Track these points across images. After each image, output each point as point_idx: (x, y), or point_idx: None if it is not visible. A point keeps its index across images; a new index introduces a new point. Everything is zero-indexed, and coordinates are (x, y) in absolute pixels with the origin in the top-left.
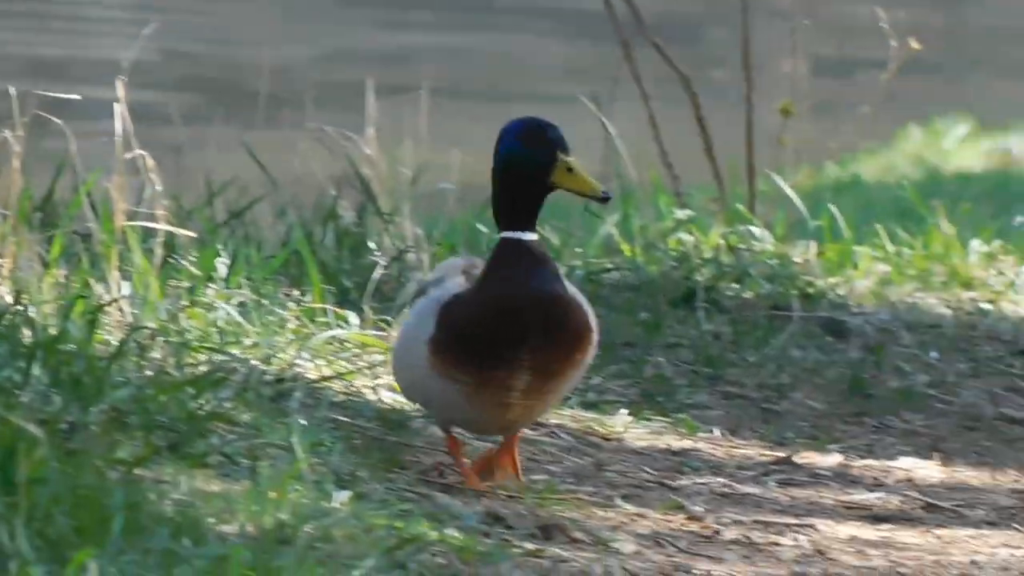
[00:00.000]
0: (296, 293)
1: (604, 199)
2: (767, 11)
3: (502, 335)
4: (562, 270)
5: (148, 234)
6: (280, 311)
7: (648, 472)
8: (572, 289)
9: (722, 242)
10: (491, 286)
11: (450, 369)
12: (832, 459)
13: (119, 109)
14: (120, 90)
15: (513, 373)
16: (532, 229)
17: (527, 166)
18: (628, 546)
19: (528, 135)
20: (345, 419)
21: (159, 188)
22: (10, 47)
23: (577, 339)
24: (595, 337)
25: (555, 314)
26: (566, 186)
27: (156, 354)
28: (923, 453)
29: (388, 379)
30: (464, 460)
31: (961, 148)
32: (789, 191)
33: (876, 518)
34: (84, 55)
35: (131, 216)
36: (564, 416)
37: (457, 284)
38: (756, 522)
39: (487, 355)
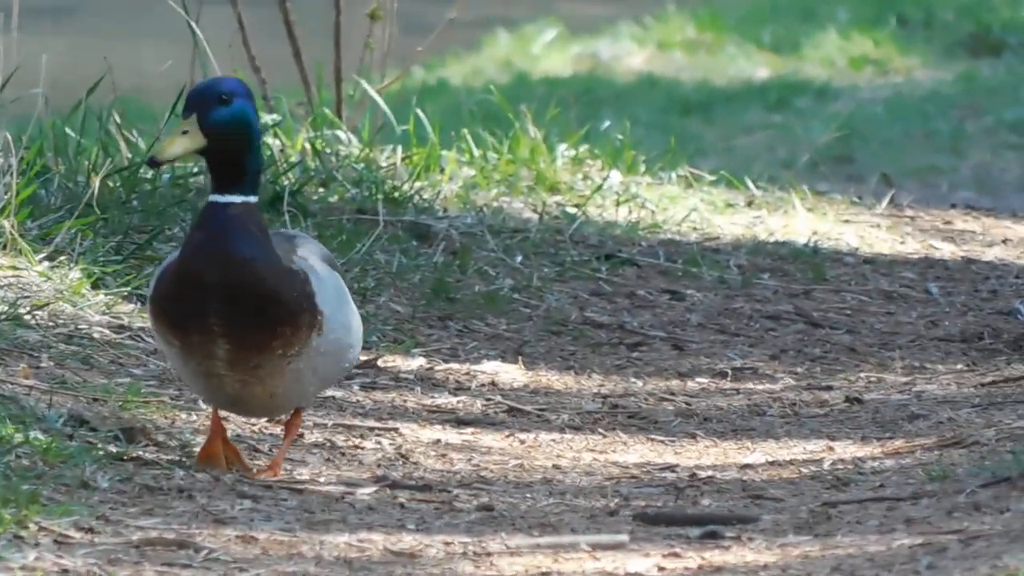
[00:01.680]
0: None
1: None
2: None
3: (184, 297)
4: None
5: None
6: None
7: None
8: (304, 263)
9: (308, 146)
10: (184, 249)
11: (162, 330)
12: (416, 363)
13: None
14: None
15: (206, 338)
16: (235, 192)
17: None
18: None
19: None
20: None
21: None
22: None
23: (267, 310)
24: (308, 319)
25: (236, 280)
26: None
27: None
28: (507, 357)
29: None
30: (216, 440)
31: (549, 53)
32: (376, 95)
33: (460, 422)
34: None
35: None
36: (147, 319)
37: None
38: (339, 425)
39: (176, 317)
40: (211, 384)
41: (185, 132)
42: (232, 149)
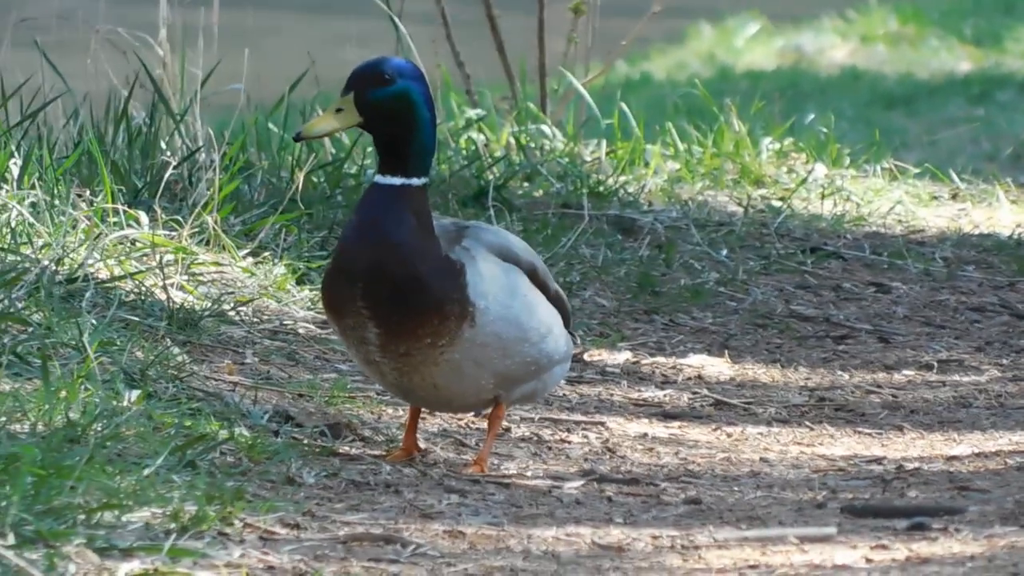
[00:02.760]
0: (88, 194)
1: (295, 138)
2: None
3: (339, 279)
4: (352, 169)
5: None
6: (72, 212)
7: None
8: (466, 253)
9: (513, 141)
10: (343, 230)
11: (325, 311)
12: (622, 356)
13: None
14: None
15: (358, 321)
16: (397, 174)
17: None
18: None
19: None
20: (136, 319)
21: None
22: None
23: (410, 296)
24: (457, 309)
25: (382, 263)
26: None
27: None
28: (713, 350)
29: (179, 278)
30: (412, 436)
31: (752, 46)
32: (581, 89)
33: (666, 415)
34: None
35: None
36: None
37: None
38: (546, 420)
39: (332, 298)
40: (373, 371)
41: (339, 110)
42: (394, 130)
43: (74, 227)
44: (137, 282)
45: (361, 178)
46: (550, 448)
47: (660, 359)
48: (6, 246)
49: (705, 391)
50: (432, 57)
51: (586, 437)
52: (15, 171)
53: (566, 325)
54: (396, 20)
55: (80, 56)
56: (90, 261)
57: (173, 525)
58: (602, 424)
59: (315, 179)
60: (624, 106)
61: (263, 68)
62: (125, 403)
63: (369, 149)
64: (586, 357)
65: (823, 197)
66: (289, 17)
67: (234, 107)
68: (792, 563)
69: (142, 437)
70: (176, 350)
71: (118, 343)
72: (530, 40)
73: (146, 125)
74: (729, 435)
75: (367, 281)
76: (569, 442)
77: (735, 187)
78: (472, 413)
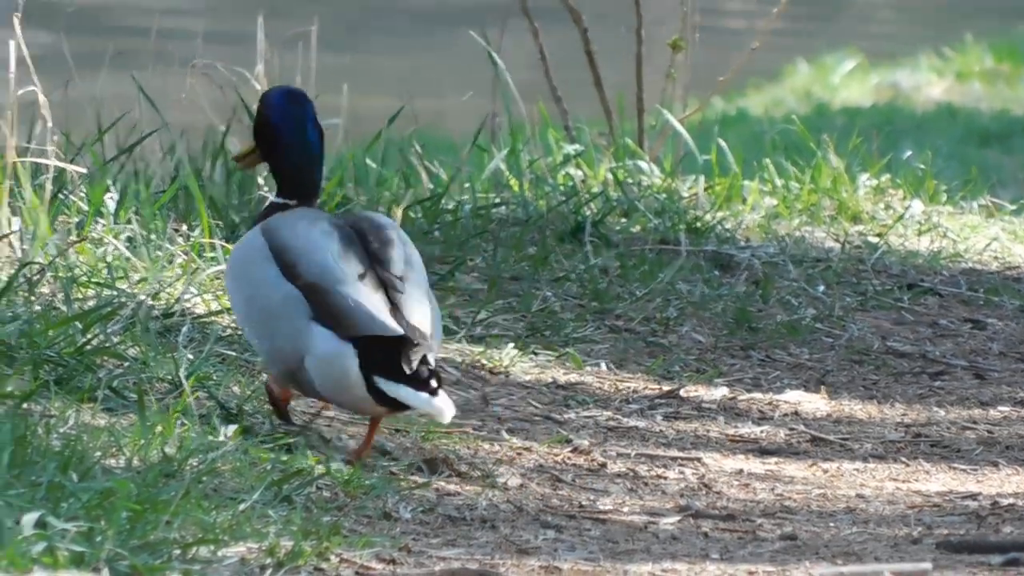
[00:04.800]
0: (185, 228)
1: None
2: None
3: None
4: (450, 204)
5: (39, 170)
6: (169, 246)
7: (534, 406)
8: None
9: (610, 176)
10: None
11: None
12: (718, 392)
13: (12, 46)
14: (16, 27)
15: None
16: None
17: None
18: (514, 479)
19: None
20: (232, 353)
21: (50, 125)
22: None
23: None
24: None
25: None
26: None
27: (45, 289)
28: (810, 387)
29: None
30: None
31: (848, 83)
32: (678, 125)
33: (762, 451)
34: None
35: (22, 152)
36: (451, 350)
37: None
38: (642, 455)
39: None
40: None
41: None
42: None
43: (171, 262)
44: (234, 317)
45: (459, 213)
46: (646, 484)
47: (757, 395)
48: (103, 281)
49: (801, 427)
50: (530, 93)
51: (682, 473)
52: (111, 205)
53: (323, 320)
54: (495, 56)
55: (177, 91)
56: (187, 296)
57: (269, 560)
58: (698, 460)
59: (412, 214)
60: (722, 142)
61: (360, 104)
62: (221, 438)
63: (467, 184)
64: (683, 393)
65: (920, 233)
66: (387, 53)
67: (331, 142)
68: None
69: (238, 472)
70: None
71: (214, 378)
72: (628, 76)
73: None
74: (825, 471)
75: None
76: (665, 478)
77: (832, 223)
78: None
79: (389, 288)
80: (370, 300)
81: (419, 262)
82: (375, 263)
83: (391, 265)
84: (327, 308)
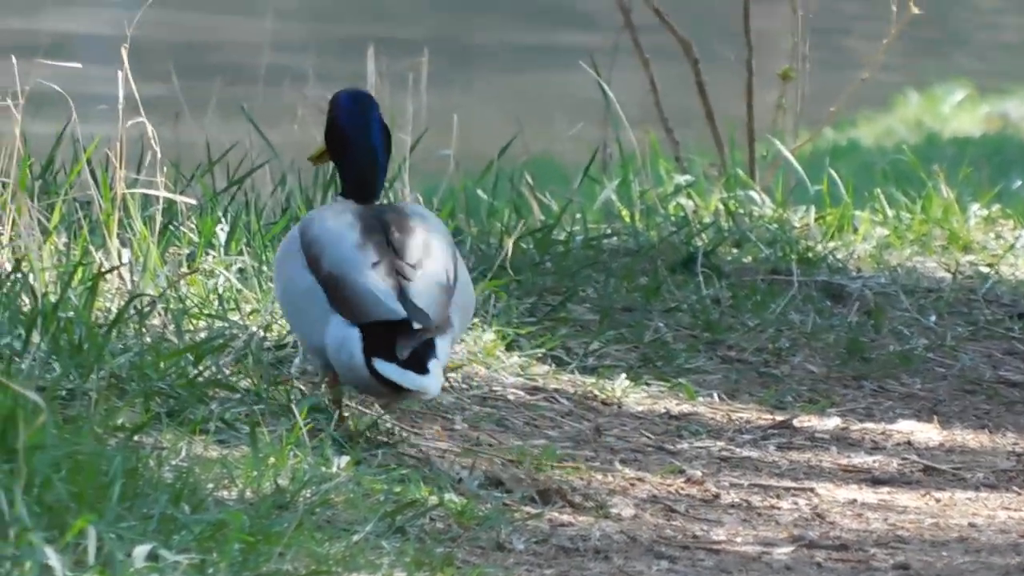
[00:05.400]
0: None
1: None
2: None
3: None
4: (561, 235)
5: (148, 201)
6: None
7: (647, 436)
8: None
9: (721, 207)
10: None
11: None
12: (831, 422)
13: (121, 76)
14: (123, 57)
15: None
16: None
17: None
18: (627, 510)
19: None
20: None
21: (159, 155)
22: (10, 20)
23: None
24: None
25: None
26: None
27: (155, 321)
28: (922, 416)
29: None
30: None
31: (958, 113)
32: (789, 156)
33: (875, 481)
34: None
35: (131, 183)
36: (563, 381)
37: None
38: (755, 486)
39: None
40: None
41: None
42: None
43: None
44: None
45: (571, 244)
46: (759, 514)
47: (869, 425)
48: (214, 312)
49: (914, 457)
50: (641, 123)
51: (795, 503)
52: (222, 237)
53: (337, 307)
54: (605, 87)
55: (287, 121)
56: None
57: None
58: (811, 490)
59: (524, 245)
60: (832, 172)
61: (472, 134)
62: (334, 469)
63: (578, 215)
64: (795, 423)
65: None
66: (498, 84)
67: (443, 173)
68: None
69: (351, 503)
70: (386, 416)
71: (327, 409)
72: (739, 106)
73: None
74: (938, 500)
75: None
76: (779, 508)
77: (943, 253)
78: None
79: (400, 275)
80: (378, 287)
81: (442, 249)
82: (392, 251)
83: (406, 253)
84: (339, 296)
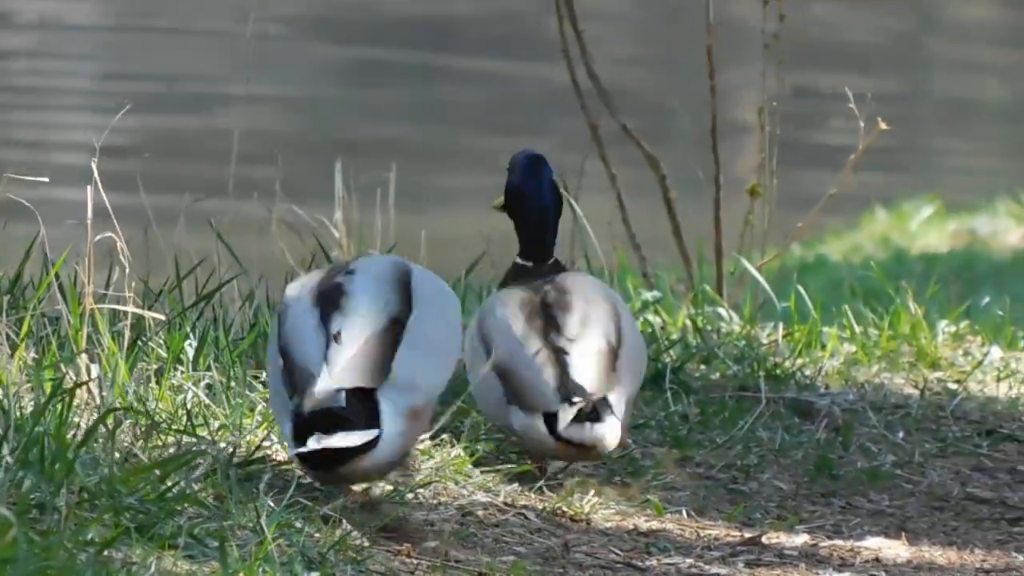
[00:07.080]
0: (264, 376)
1: None
2: (733, 84)
3: None
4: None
5: (117, 316)
6: (249, 393)
7: (616, 553)
8: None
9: (689, 323)
10: None
11: None
12: (800, 539)
13: (90, 191)
14: (94, 170)
15: None
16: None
17: None
18: None
19: None
20: (313, 502)
21: (128, 270)
22: None
23: None
24: None
25: None
26: None
27: (125, 436)
28: (890, 533)
29: None
30: None
31: (926, 229)
32: (756, 273)
33: None
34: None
35: (99, 298)
36: (531, 497)
37: None
38: None
39: None
40: None
41: None
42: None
43: (251, 409)
44: None
45: None
46: None
47: (838, 541)
48: (182, 428)
49: (882, 574)
50: (608, 238)
51: None
52: (190, 352)
53: (515, 401)
54: (574, 204)
55: (255, 236)
56: (267, 443)
57: None
58: None
59: None
60: (800, 288)
61: (440, 250)
62: None
63: None
64: (764, 540)
65: (999, 379)
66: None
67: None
68: None
69: None
70: (355, 532)
71: (295, 526)
72: (706, 222)
73: None
74: None
75: None
76: None
77: (911, 370)
78: None
79: (560, 351)
80: (540, 378)
81: (599, 317)
82: (551, 331)
83: (564, 329)
84: (513, 388)
